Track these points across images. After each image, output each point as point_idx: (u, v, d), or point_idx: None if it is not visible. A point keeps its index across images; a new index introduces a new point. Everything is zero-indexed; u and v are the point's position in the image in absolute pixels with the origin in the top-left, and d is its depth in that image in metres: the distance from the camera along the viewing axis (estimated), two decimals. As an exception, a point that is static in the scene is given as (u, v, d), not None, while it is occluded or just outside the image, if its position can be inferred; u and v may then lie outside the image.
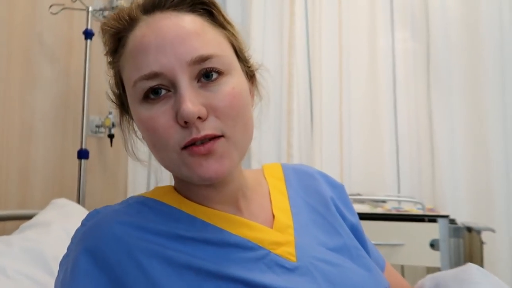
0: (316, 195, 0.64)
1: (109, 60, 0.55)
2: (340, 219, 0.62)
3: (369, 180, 1.80)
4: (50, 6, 1.43)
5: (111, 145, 1.74)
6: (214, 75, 0.49)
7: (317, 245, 0.56)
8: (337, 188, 0.68)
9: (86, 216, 0.54)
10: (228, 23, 0.54)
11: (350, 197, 1.54)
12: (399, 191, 1.75)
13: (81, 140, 1.51)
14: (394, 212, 1.42)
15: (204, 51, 0.48)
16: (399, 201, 1.61)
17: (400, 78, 1.83)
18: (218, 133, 0.48)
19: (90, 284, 0.46)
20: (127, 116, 0.57)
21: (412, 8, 1.85)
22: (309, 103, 1.90)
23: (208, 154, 0.47)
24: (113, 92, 0.57)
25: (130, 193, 1.99)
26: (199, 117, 0.46)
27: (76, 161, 1.57)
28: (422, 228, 1.33)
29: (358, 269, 0.55)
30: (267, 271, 0.49)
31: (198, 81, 0.49)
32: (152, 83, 0.48)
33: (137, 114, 0.50)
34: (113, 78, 0.56)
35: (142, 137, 0.54)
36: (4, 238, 0.89)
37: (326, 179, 0.68)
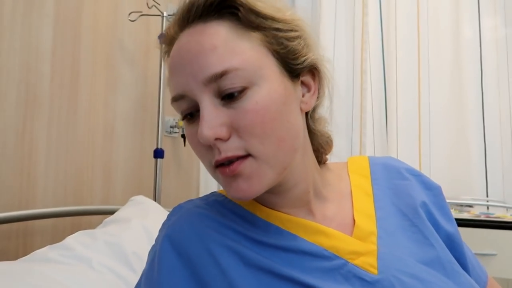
0: (406, 197, 0.56)
1: None
2: (431, 227, 0.54)
3: (452, 183, 1.65)
4: (129, 14, 1.52)
5: (184, 145, 1.80)
6: (234, 92, 0.44)
7: (404, 257, 0.50)
8: (433, 190, 0.59)
9: (172, 211, 0.56)
10: (266, 17, 0.47)
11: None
12: (487, 195, 1.59)
13: (157, 140, 1.58)
14: (483, 218, 1.29)
15: (218, 67, 0.44)
16: (488, 206, 1.46)
17: (489, 70, 1.67)
18: (241, 153, 0.45)
19: (174, 276, 0.48)
20: None
21: (503, -9, 1.67)
22: (383, 101, 1.80)
23: (235, 176, 0.45)
24: None
25: (202, 192, 2.04)
26: (219, 139, 0.44)
27: (153, 160, 1.65)
28: (518, 237, 1.19)
29: (453, 287, 0.49)
30: (344, 282, 0.46)
31: (222, 98, 0.45)
32: (182, 104, 0.47)
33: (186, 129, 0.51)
34: None
35: None
36: (90, 231, 0.95)
37: (420, 179, 0.60)
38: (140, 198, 1.18)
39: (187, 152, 1.93)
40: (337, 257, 0.48)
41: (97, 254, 0.83)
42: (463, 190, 1.60)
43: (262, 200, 0.53)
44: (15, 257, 1.17)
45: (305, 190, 0.53)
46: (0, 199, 1.18)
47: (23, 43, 1.22)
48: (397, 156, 1.72)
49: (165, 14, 1.57)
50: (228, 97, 0.44)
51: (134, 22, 1.53)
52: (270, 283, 0.46)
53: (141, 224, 0.96)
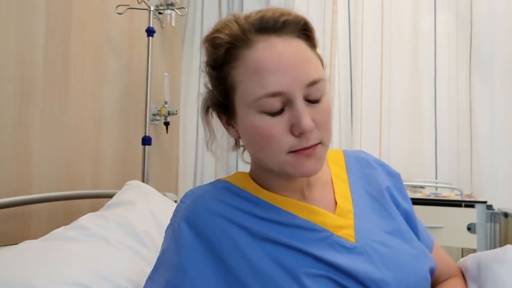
0: (374, 182, 0.71)
1: (211, 69, 0.63)
2: (393, 206, 0.69)
3: (407, 167, 1.89)
4: (117, 7, 1.58)
5: (167, 132, 1.90)
6: (318, 98, 0.58)
7: (374, 229, 0.64)
8: (394, 176, 0.75)
9: (184, 195, 0.66)
10: (317, 41, 0.63)
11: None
12: (436, 178, 1.83)
13: (144, 128, 1.67)
14: (433, 197, 1.52)
15: (315, 76, 0.57)
16: (437, 187, 1.69)
17: (441, 66, 1.88)
18: (318, 141, 0.59)
19: (192, 251, 0.59)
20: (225, 118, 0.66)
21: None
22: (349, 93, 1.99)
23: (310, 156, 0.58)
24: (214, 96, 0.64)
25: (181, 177, 2.16)
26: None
27: (137, 146, 1.74)
28: (460, 212, 1.43)
29: (410, 250, 0.64)
30: (330, 249, 0.59)
31: (306, 99, 0.58)
32: (276, 101, 0.57)
33: (252, 122, 0.59)
34: (218, 85, 0.62)
35: (247, 141, 0.63)
36: (99, 213, 1.06)
37: (384, 168, 0.75)
38: (136, 182, 1.29)
39: (168, 139, 2.03)
40: (325, 230, 0.61)
41: (111, 233, 0.95)
42: (417, 174, 1.84)
43: (268, 183, 0.66)
44: (14, 240, 1.25)
45: (303, 179, 0.67)
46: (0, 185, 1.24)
47: (17, 36, 1.27)
48: (360, 144, 1.93)
49: (151, 8, 1.64)
50: (312, 101, 0.58)
51: (120, 15, 1.59)
52: (273, 250, 0.58)
53: (145, 206, 1.08)
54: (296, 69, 0.56)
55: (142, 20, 1.76)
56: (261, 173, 0.67)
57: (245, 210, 0.62)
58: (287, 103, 0.57)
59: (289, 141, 0.57)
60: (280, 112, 0.57)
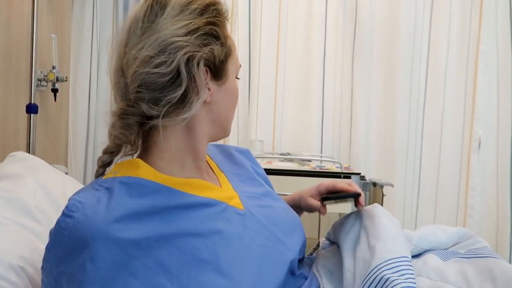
0: (235, 164, 0.84)
1: (217, 28, 0.66)
2: (256, 176, 0.84)
3: (297, 142, 2.08)
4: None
5: (55, 100, 1.75)
6: None
7: (251, 195, 0.75)
8: (245, 153, 0.89)
9: (70, 207, 0.58)
10: None
11: (280, 156, 1.80)
12: (321, 152, 2.05)
13: (30, 95, 1.52)
14: (317, 170, 1.70)
15: None
16: (321, 161, 1.90)
17: (330, 48, 2.07)
18: None
19: (92, 274, 0.55)
20: (217, 77, 0.68)
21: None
22: (248, 70, 2.08)
23: None
24: (212, 55, 0.65)
25: (71, 148, 2.03)
26: None
27: (19, 114, 1.58)
28: (339, 183, 1.63)
29: (281, 205, 0.80)
30: (230, 217, 0.66)
31: None
32: None
33: (235, 84, 0.73)
34: (223, 46, 0.67)
35: (226, 102, 0.71)
36: (-21, 188, 0.95)
37: (237, 150, 0.88)
38: (21, 154, 1.18)
39: (56, 107, 1.88)
40: (221, 203, 0.67)
41: (-3, 208, 0.87)
42: (305, 149, 2.04)
43: (166, 168, 0.67)
44: None
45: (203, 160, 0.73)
46: None
47: None
48: (256, 121, 2.07)
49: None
50: None
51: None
52: (187, 245, 0.59)
53: (34, 179, 1.01)
54: None
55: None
56: (171, 153, 0.67)
57: (146, 206, 0.61)
58: None
59: None
60: None
